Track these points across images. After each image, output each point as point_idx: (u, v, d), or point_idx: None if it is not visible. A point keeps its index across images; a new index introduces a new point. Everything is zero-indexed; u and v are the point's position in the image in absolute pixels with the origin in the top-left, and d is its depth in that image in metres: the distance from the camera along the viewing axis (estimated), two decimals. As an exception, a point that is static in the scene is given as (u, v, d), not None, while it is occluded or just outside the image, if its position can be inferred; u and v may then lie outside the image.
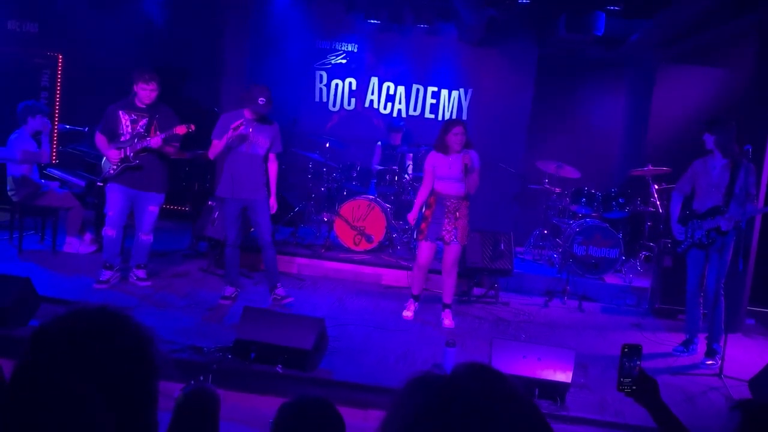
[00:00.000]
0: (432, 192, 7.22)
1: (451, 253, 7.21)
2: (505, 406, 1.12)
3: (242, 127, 6.83)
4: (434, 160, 7.17)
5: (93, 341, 1.19)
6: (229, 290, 7.28)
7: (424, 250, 7.28)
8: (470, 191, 7.16)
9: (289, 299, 7.25)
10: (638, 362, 2.43)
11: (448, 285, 7.35)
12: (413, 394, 1.15)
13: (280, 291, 7.28)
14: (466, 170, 6.98)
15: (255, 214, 7.12)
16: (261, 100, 6.82)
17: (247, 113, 6.94)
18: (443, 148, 7.11)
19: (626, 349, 2.44)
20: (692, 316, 6.98)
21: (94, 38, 11.05)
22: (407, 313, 7.44)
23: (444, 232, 7.12)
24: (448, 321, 7.28)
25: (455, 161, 7.04)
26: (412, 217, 7.45)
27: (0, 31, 11.34)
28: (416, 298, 7.51)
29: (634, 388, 2.42)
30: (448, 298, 7.38)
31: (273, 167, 7.22)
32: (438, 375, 1.16)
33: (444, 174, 7.10)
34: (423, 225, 7.24)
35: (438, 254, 7.49)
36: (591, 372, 6.15)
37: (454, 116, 11.39)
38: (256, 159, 7.03)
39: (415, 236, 7.68)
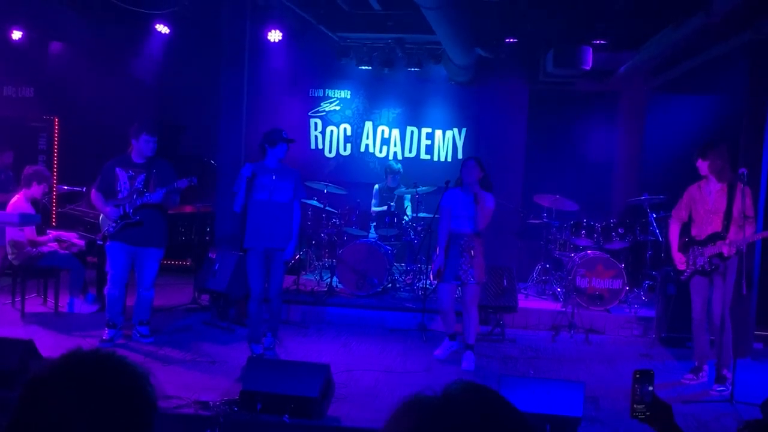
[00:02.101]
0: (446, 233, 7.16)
1: (469, 292, 7.12)
2: (499, 422, 1.12)
3: (257, 175, 6.85)
4: (450, 197, 7.18)
5: (88, 382, 1.18)
6: (257, 348, 7.00)
7: (444, 293, 7.21)
8: (480, 226, 7.07)
9: (272, 350, 7.13)
10: (651, 388, 2.40)
11: (468, 324, 7.17)
12: (407, 414, 1.15)
13: (266, 340, 7.15)
14: (476, 199, 6.95)
15: (272, 261, 7.02)
16: (285, 134, 6.91)
17: (267, 161, 6.95)
18: (459, 183, 7.14)
19: (638, 375, 2.42)
20: (700, 343, 6.92)
21: (89, 100, 11.20)
22: (438, 352, 7.38)
23: (461, 272, 7.05)
24: (467, 363, 7.10)
25: (468, 198, 7.05)
26: (438, 263, 7.18)
27: (-4, 97, 11.49)
28: (452, 337, 7.41)
29: (647, 414, 2.40)
30: (470, 338, 7.19)
31: (297, 215, 7.10)
32: (430, 395, 1.16)
33: (457, 212, 7.09)
34: (440, 266, 7.14)
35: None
36: (602, 404, 6.09)
37: (449, 156, 11.50)
38: (279, 207, 6.96)
39: (433, 278, 7.55)
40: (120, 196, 7.23)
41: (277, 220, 6.94)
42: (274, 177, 6.92)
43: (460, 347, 7.36)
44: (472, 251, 7.05)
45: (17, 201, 8.30)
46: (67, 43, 11.50)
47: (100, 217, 7.57)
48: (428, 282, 8.62)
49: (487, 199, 7.03)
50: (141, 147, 7.23)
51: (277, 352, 7.18)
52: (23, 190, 8.37)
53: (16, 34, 10.78)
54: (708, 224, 6.64)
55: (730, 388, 6.33)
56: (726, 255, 6.49)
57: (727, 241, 6.46)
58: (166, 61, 11.06)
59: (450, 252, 7.07)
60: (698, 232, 6.70)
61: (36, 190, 8.39)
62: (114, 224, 7.19)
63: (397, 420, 1.15)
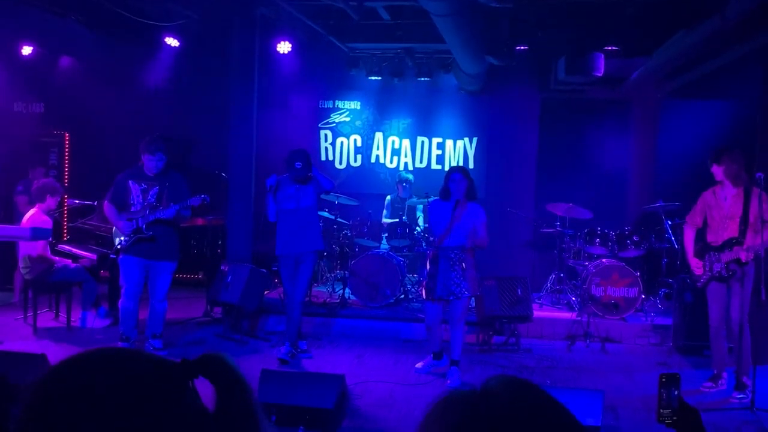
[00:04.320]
0: (434, 244, 6.93)
1: (459, 307, 6.84)
2: (539, 414, 1.06)
3: (282, 185, 7.25)
4: (436, 210, 6.98)
5: (102, 377, 1.10)
6: (302, 344, 7.57)
7: (433, 309, 6.94)
8: (481, 246, 6.93)
9: (288, 361, 7.24)
10: (677, 392, 2.34)
11: (455, 339, 6.89)
12: (446, 411, 1.09)
13: (283, 348, 7.31)
14: (455, 208, 6.79)
15: (299, 267, 7.32)
16: (297, 164, 7.13)
17: (289, 177, 7.29)
18: (445, 195, 6.92)
19: (664, 379, 2.35)
20: (718, 350, 6.83)
21: (99, 114, 11.22)
22: (418, 365, 7.28)
23: (453, 287, 6.76)
24: (452, 379, 6.77)
25: (459, 210, 6.84)
26: (425, 278, 7.04)
27: (6, 112, 11.52)
28: (437, 356, 7.20)
29: (674, 418, 2.33)
30: (456, 354, 6.89)
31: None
32: (467, 390, 1.10)
33: (446, 225, 6.83)
34: (430, 283, 6.86)
35: None
36: (621, 413, 6.01)
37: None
38: (308, 212, 7.34)
39: (423, 295, 7.32)
40: (133, 209, 7.23)
41: (307, 225, 7.34)
42: (297, 186, 7.28)
43: (446, 365, 7.11)
44: (463, 264, 6.80)
45: (34, 215, 8.29)
46: (76, 57, 11.53)
47: (113, 229, 7.56)
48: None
49: (477, 215, 6.86)
50: (147, 164, 7.29)
51: (303, 365, 7.22)
52: (38, 204, 8.38)
53: (26, 50, 10.81)
54: (724, 230, 6.55)
55: (751, 395, 6.23)
56: (744, 261, 6.40)
57: (745, 247, 6.37)
58: (175, 74, 11.07)
59: (440, 266, 6.80)
60: (714, 237, 6.62)
61: (51, 202, 8.42)
62: (127, 238, 7.19)
63: (436, 417, 1.09)
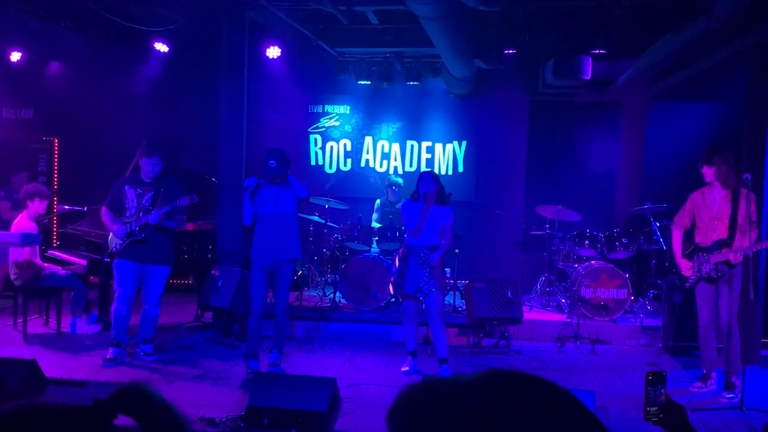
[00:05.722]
0: (404, 243, 7.14)
1: (433, 303, 6.93)
2: (547, 403, 1.05)
3: (261, 188, 6.88)
4: (408, 210, 7.08)
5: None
6: (254, 364, 6.91)
7: (409, 307, 7.13)
8: (446, 245, 7.03)
9: (278, 366, 7.12)
10: (663, 389, 2.36)
11: (438, 338, 7.03)
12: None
13: (272, 356, 7.13)
14: (424, 214, 6.88)
15: (277, 276, 7.00)
16: (271, 163, 6.81)
17: (267, 179, 6.95)
18: (415, 196, 7.05)
19: (650, 377, 2.37)
20: (707, 350, 6.87)
21: (89, 119, 11.21)
22: (404, 368, 7.31)
23: (422, 284, 6.89)
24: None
25: (427, 212, 6.93)
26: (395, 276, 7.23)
27: (-5, 119, 11.48)
28: (413, 354, 7.31)
29: (661, 416, 2.35)
30: (443, 352, 7.03)
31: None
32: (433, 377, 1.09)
33: (416, 225, 6.96)
34: (399, 279, 7.08)
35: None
36: (612, 414, 6.04)
37: (450, 170, 11.48)
38: (286, 218, 7.00)
39: (393, 292, 7.44)
40: (128, 213, 7.28)
41: (285, 232, 6.97)
42: (276, 189, 6.95)
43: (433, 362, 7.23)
44: (432, 263, 6.97)
45: (20, 221, 8.27)
46: (66, 63, 11.50)
47: (109, 235, 7.58)
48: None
49: (446, 216, 6.99)
50: (143, 168, 7.30)
51: (283, 368, 7.13)
52: (25, 209, 8.35)
53: (15, 56, 10.77)
54: (712, 231, 6.59)
55: (740, 395, 6.27)
56: (733, 262, 6.45)
57: (734, 248, 6.42)
58: (165, 79, 11.05)
59: (409, 264, 6.96)
60: (703, 238, 6.66)
61: (39, 206, 8.37)
62: (121, 242, 7.22)
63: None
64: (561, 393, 1.07)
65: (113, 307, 7.33)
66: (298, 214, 9.68)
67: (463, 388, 1.06)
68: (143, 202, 7.27)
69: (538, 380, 1.08)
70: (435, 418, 1.03)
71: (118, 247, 7.27)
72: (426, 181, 6.96)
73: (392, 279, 7.28)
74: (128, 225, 7.21)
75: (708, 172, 6.57)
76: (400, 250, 7.16)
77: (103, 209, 7.41)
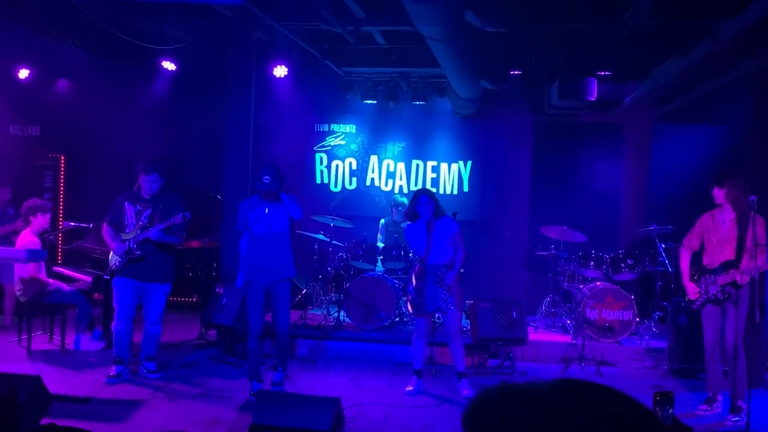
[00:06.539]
0: (419, 261, 7.17)
1: (452, 320, 7.08)
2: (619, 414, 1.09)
3: (252, 206, 6.90)
4: (412, 232, 7.19)
5: None
6: (256, 386, 6.87)
7: (422, 324, 7.22)
8: (460, 259, 7.11)
9: (281, 385, 7.13)
10: (671, 410, 2.36)
11: (456, 353, 7.19)
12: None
13: (276, 375, 7.15)
14: (428, 228, 6.97)
15: (275, 298, 6.97)
16: (266, 179, 6.73)
17: (260, 194, 6.91)
18: (413, 217, 7.15)
19: (658, 398, 2.37)
20: (713, 373, 6.83)
21: (96, 137, 11.25)
22: (408, 388, 7.30)
23: (440, 302, 7.02)
24: (466, 391, 7.09)
25: (432, 228, 7.01)
26: (412, 294, 7.26)
27: (2, 135, 11.52)
28: (418, 374, 7.35)
29: None
30: (461, 366, 7.21)
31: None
32: (512, 383, 1.14)
33: (425, 245, 7.03)
34: (417, 298, 7.11)
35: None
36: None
37: (455, 189, 11.49)
38: (279, 237, 6.95)
39: (409, 310, 7.48)
40: (127, 230, 7.30)
41: (278, 252, 6.95)
42: (267, 209, 6.92)
43: (438, 381, 7.30)
44: (447, 284, 7.05)
45: (24, 236, 8.29)
46: (73, 80, 11.57)
47: (110, 253, 7.58)
48: (437, 316, 8.47)
49: (450, 226, 7.08)
50: (143, 185, 7.35)
51: (286, 388, 7.11)
52: (30, 225, 8.37)
53: (23, 73, 10.84)
54: (720, 252, 6.58)
55: (746, 418, 6.23)
56: (740, 284, 6.43)
57: (741, 270, 6.40)
58: (172, 97, 11.11)
59: (427, 282, 7.03)
60: (710, 260, 6.65)
61: (42, 221, 8.39)
62: (120, 259, 7.24)
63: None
64: (632, 403, 1.12)
65: (113, 325, 7.35)
66: (303, 233, 9.76)
67: (539, 395, 1.11)
68: (141, 218, 7.29)
69: (610, 390, 1.13)
70: (510, 423, 1.08)
71: (117, 264, 7.28)
72: (423, 202, 7.06)
73: (410, 297, 7.28)
74: (126, 243, 7.23)
75: (718, 194, 6.58)
76: (416, 268, 7.19)
77: (105, 226, 7.43)
